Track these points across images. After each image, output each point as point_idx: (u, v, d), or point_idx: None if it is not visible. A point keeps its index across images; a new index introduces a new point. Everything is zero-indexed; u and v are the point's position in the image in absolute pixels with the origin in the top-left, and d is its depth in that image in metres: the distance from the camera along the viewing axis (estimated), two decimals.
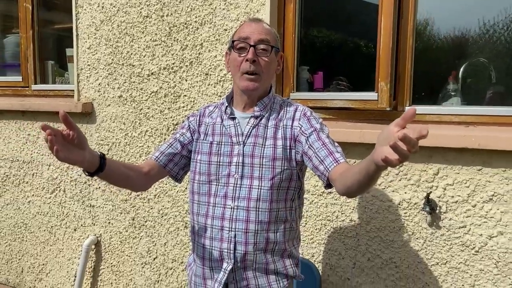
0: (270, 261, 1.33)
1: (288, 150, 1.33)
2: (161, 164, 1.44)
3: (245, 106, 1.39)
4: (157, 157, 1.45)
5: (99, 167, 1.21)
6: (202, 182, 1.37)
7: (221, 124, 1.40)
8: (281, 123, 1.36)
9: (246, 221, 1.31)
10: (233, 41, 1.37)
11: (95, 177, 1.27)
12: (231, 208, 1.32)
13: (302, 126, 1.33)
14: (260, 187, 1.31)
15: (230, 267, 1.31)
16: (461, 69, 2.08)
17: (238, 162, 1.34)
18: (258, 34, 1.34)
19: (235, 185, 1.33)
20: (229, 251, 1.31)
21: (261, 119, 1.37)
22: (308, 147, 1.28)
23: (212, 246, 1.34)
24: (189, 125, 1.47)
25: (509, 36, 2.01)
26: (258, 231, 1.31)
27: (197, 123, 1.46)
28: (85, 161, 1.15)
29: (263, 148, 1.33)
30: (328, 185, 1.26)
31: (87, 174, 1.23)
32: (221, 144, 1.38)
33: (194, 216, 1.40)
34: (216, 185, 1.35)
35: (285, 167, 1.32)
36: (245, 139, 1.35)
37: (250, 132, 1.36)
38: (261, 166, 1.32)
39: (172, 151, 1.45)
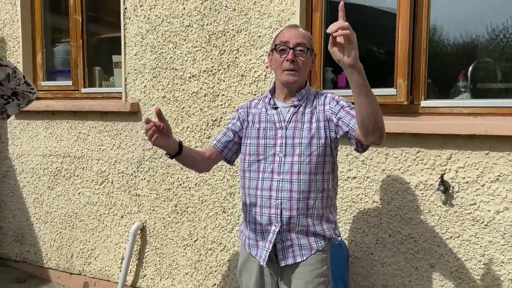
0: (310, 224, 1.60)
1: (322, 130, 1.60)
2: (218, 150, 1.74)
3: (285, 97, 1.68)
4: (215, 144, 1.74)
5: (178, 152, 1.53)
6: (252, 161, 1.66)
7: (265, 113, 1.69)
8: (315, 110, 1.63)
9: (290, 191, 1.58)
10: (275, 45, 1.66)
11: (173, 160, 1.59)
12: (277, 180, 1.60)
13: (332, 108, 1.60)
14: (300, 163, 1.59)
15: (278, 229, 1.59)
16: (470, 68, 2.34)
17: (282, 144, 1.62)
18: (296, 38, 1.62)
19: (279, 162, 1.61)
20: (276, 216, 1.59)
21: (299, 108, 1.65)
22: (337, 119, 1.56)
23: (262, 213, 1.62)
24: (238, 116, 1.76)
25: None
26: (300, 199, 1.58)
27: (246, 113, 1.75)
28: (170, 146, 1.50)
29: (301, 131, 1.61)
30: (359, 148, 1.53)
31: (168, 156, 1.55)
32: (267, 129, 1.66)
33: (246, 190, 1.68)
34: (264, 163, 1.63)
35: (320, 145, 1.59)
36: (286, 124, 1.63)
37: (291, 119, 1.64)
38: (300, 145, 1.60)
39: (227, 139, 1.74)
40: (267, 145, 1.64)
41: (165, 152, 1.55)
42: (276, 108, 1.67)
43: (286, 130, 1.63)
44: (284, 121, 1.64)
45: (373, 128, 1.38)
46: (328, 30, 1.25)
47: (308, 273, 1.59)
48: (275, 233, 1.59)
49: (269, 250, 1.59)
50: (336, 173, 1.70)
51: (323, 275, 1.61)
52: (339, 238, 1.70)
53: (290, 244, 1.61)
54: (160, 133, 1.43)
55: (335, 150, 1.67)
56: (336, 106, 1.60)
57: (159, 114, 1.43)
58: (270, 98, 1.70)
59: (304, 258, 1.60)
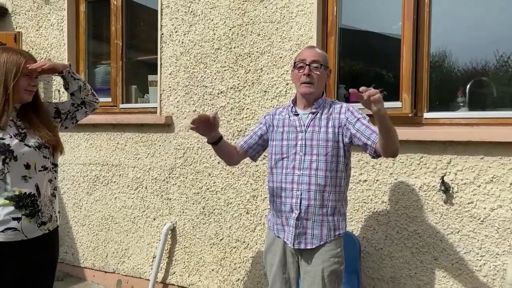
0: (324, 213, 1.89)
1: (337, 135, 1.91)
2: (244, 150, 2.10)
3: (305, 106, 2.00)
4: (241, 145, 2.11)
5: (217, 141, 1.95)
6: (277, 159, 1.97)
7: (288, 119, 2.01)
8: (331, 116, 1.94)
9: (308, 184, 1.88)
10: (295, 62, 2.00)
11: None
12: (298, 175, 1.90)
13: (348, 118, 1.91)
14: (317, 160, 1.89)
15: (296, 215, 1.89)
16: (468, 86, 2.64)
17: (302, 144, 1.93)
18: (312, 56, 1.96)
19: (300, 160, 1.91)
20: (296, 204, 1.89)
21: (316, 114, 1.96)
22: (356, 131, 1.86)
23: (285, 202, 1.92)
24: (265, 122, 2.09)
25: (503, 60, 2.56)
26: (317, 191, 1.88)
27: (271, 119, 2.08)
28: (209, 137, 1.94)
29: (318, 134, 1.92)
30: (375, 155, 1.83)
31: (209, 143, 2.00)
32: (289, 133, 1.98)
33: (273, 183, 1.98)
34: (287, 160, 1.94)
35: (334, 146, 1.90)
36: (306, 128, 1.95)
37: (309, 124, 1.95)
38: (318, 146, 1.91)
39: (252, 141, 2.10)
40: (290, 146, 1.96)
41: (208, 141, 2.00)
42: (297, 115, 1.99)
43: (305, 133, 1.94)
44: (304, 125, 1.96)
45: (391, 149, 1.76)
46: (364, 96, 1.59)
47: (324, 253, 1.87)
48: (294, 219, 1.89)
49: (294, 233, 1.89)
50: (349, 172, 2.00)
51: (337, 256, 1.89)
52: (346, 230, 2.00)
53: (304, 232, 1.90)
54: (204, 126, 1.88)
55: (348, 153, 1.96)
56: (352, 118, 1.90)
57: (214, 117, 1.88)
58: (292, 106, 2.03)
59: (313, 247, 1.88)
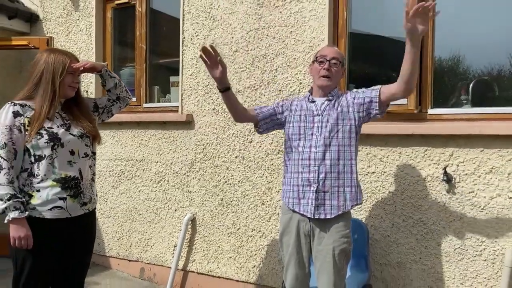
0: (341, 185, 2.09)
1: (346, 113, 2.13)
2: (258, 118, 2.29)
3: (320, 96, 2.22)
4: (257, 113, 2.29)
5: (227, 88, 2.16)
6: (295, 139, 2.19)
7: (306, 104, 2.22)
8: (340, 100, 2.17)
9: (323, 159, 2.09)
10: (316, 57, 2.22)
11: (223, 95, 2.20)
12: (314, 152, 2.11)
13: (353, 97, 2.16)
14: (331, 137, 2.11)
15: (315, 188, 2.08)
16: (471, 85, 2.81)
17: (318, 126, 2.14)
18: (332, 53, 2.19)
19: (316, 139, 2.12)
20: (314, 178, 2.09)
21: (331, 101, 2.17)
22: (362, 99, 2.11)
23: (303, 178, 2.12)
24: (283, 104, 2.30)
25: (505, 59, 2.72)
26: (332, 164, 2.09)
27: (289, 105, 2.28)
28: (220, 81, 2.13)
29: (332, 116, 2.13)
30: (381, 109, 2.09)
31: (219, 90, 2.17)
32: (307, 116, 2.19)
33: (291, 161, 2.19)
34: (304, 140, 2.15)
35: (345, 124, 2.12)
36: (322, 112, 2.16)
37: (325, 108, 2.17)
38: (332, 125, 2.12)
39: (267, 113, 2.29)
40: (307, 127, 2.17)
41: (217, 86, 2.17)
42: (314, 102, 2.21)
43: (321, 116, 2.15)
44: (320, 109, 2.17)
45: (412, 74, 1.98)
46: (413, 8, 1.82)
47: (335, 234, 2.07)
48: (314, 191, 2.09)
49: (313, 205, 2.08)
50: (357, 147, 2.21)
51: (346, 236, 2.09)
52: (361, 201, 2.19)
53: (323, 203, 2.09)
54: (212, 65, 2.06)
55: (359, 129, 2.18)
56: (355, 95, 2.17)
57: (212, 47, 2.03)
58: (310, 95, 2.25)
59: (332, 216, 2.08)
